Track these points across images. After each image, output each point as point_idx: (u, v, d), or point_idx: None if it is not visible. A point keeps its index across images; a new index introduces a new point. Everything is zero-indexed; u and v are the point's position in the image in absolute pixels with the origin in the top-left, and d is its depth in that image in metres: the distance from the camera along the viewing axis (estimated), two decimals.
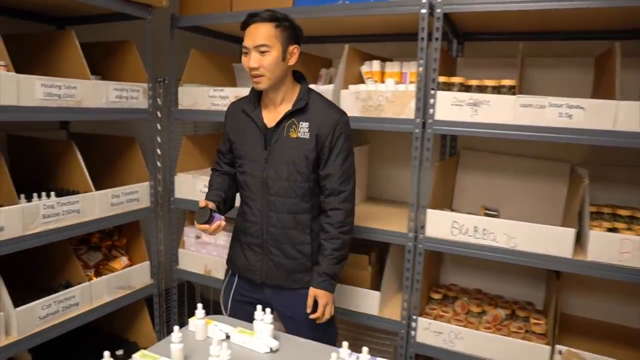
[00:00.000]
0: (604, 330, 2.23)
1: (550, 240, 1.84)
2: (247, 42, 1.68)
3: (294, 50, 1.73)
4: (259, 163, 1.77)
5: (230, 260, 1.97)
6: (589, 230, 1.81)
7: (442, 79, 1.96)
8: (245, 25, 1.70)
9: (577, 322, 2.32)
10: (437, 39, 1.90)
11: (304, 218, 1.78)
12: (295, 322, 1.86)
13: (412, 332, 2.14)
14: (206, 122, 3.11)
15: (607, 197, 2.23)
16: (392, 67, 2.25)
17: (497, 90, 1.92)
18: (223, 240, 2.56)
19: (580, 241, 1.91)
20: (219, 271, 2.56)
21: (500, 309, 2.27)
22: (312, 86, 2.14)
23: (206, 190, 2.48)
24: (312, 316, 1.80)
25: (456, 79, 1.97)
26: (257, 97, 1.82)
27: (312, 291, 1.79)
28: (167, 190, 2.73)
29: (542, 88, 2.30)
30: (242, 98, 1.91)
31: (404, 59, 2.29)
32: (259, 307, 1.50)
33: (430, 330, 2.11)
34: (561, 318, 2.14)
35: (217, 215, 1.71)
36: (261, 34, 1.66)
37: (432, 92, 1.93)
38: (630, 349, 2.02)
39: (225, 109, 1.93)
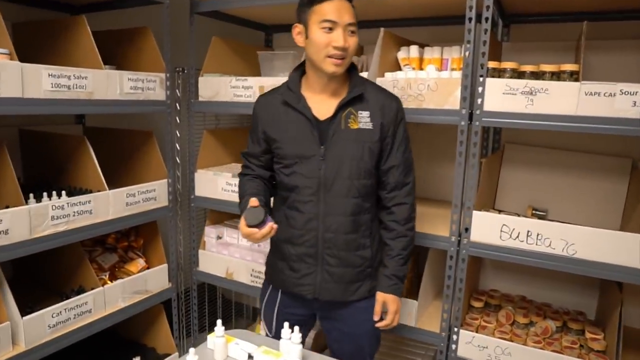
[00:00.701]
0: None
1: (616, 247, 1.61)
2: (336, 17, 1.46)
3: None
4: (314, 161, 1.56)
5: (270, 275, 1.77)
6: None
7: (492, 64, 1.73)
8: None
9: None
10: (487, 18, 1.67)
11: (365, 219, 1.61)
12: (344, 335, 1.71)
13: (453, 346, 1.94)
14: (228, 115, 2.94)
15: None
16: (432, 53, 2.03)
17: (557, 76, 1.68)
18: (245, 240, 2.40)
19: None
20: (241, 274, 2.41)
21: (550, 320, 2.06)
22: None
23: (229, 187, 2.35)
24: (380, 324, 1.66)
25: (508, 64, 1.73)
26: (298, 88, 1.61)
27: (381, 296, 1.64)
28: (187, 188, 2.57)
29: (601, 74, 2.05)
30: (274, 90, 1.70)
31: (442, 44, 2.07)
32: (286, 324, 1.34)
33: (473, 344, 1.91)
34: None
35: (269, 217, 1.46)
36: (351, 11, 1.50)
37: (481, 79, 1.71)
38: None
39: (249, 100, 1.74)
